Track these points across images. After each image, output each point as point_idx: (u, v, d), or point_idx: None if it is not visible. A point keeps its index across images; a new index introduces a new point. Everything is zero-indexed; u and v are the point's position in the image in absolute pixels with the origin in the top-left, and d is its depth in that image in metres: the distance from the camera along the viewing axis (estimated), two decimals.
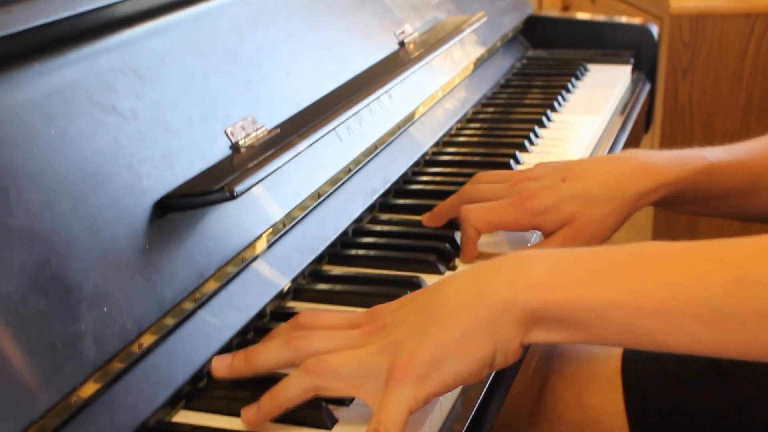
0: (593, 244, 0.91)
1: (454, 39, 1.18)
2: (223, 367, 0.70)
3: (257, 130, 0.85)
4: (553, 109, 1.35)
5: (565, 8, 2.45)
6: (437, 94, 1.24)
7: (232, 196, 0.71)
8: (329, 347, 0.68)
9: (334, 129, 0.87)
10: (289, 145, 0.80)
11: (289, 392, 0.66)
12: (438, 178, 1.11)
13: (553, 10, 2.48)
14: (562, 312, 0.66)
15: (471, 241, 0.91)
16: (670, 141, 2.01)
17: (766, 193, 1.02)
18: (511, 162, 1.14)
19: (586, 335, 0.66)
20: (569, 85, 1.45)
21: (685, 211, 1.06)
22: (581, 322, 0.66)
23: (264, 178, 0.75)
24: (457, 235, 0.94)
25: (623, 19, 1.65)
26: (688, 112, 1.99)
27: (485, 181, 0.98)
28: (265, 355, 0.69)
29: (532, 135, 1.23)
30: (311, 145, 0.82)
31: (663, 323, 0.64)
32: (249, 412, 0.67)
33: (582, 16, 1.71)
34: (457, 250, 0.93)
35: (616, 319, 0.65)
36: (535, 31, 1.66)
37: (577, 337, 0.67)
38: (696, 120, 2.00)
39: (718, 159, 0.98)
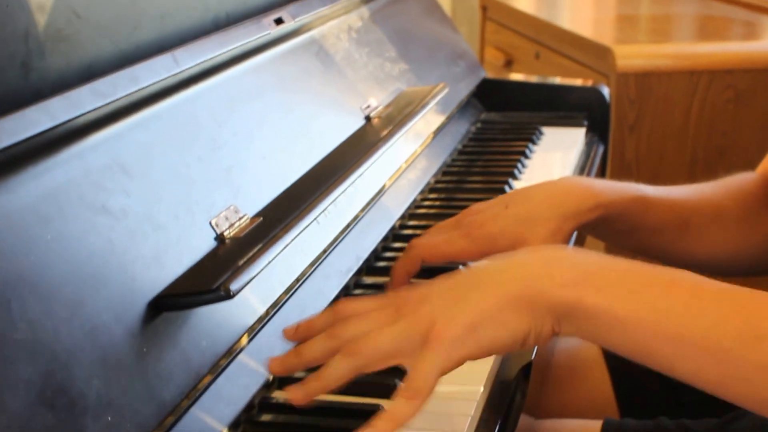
0: None
1: (419, 114, 1.20)
2: (277, 363, 0.77)
3: (240, 219, 0.86)
4: (514, 177, 1.37)
5: (508, 63, 2.49)
6: (402, 166, 1.26)
7: (230, 296, 0.71)
8: (366, 329, 0.73)
9: (315, 218, 0.88)
10: (276, 238, 0.81)
11: (333, 374, 0.71)
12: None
13: (497, 63, 2.52)
14: (590, 315, 0.70)
15: (409, 264, 0.95)
16: None
17: (695, 237, 1.10)
18: None
19: (606, 341, 0.72)
20: (527, 151, 1.47)
21: (620, 244, 1.10)
22: (605, 330, 0.71)
23: (257, 274, 0.75)
24: None
25: (575, 82, 1.69)
26: (635, 167, 2.03)
27: (434, 230, 1.01)
28: (312, 348, 0.75)
29: None
30: (297, 236, 0.83)
31: (676, 348, 0.69)
32: (296, 392, 0.72)
33: (534, 78, 1.75)
34: None
35: (636, 336, 0.70)
36: (488, 93, 1.69)
37: (599, 340, 0.72)
38: (642, 175, 2.04)
39: (653, 194, 1.05)
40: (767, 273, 1.16)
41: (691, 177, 2.05)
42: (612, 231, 1.04)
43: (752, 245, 1.14)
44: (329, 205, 0.91)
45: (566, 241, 0.98)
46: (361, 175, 1.01)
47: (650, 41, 2.10)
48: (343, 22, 1.28)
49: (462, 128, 1.56)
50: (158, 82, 0.81)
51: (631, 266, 0.73)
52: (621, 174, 2.03)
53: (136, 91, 0.78)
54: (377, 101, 1.26)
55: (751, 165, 2.08)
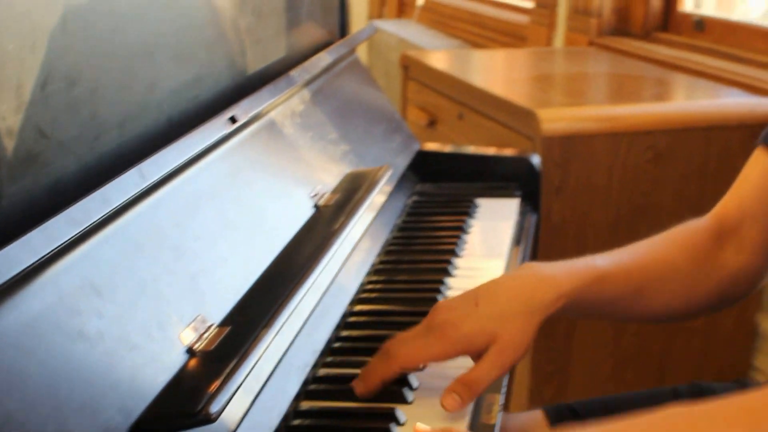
0: (518, 355, 1.01)
1: (367, 201, 1.22)
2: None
3: (208, 329, 0.86)
4: (456, 255, 1.39)
5: (432, 122, 2.52)
6: (348, 251, 1.27)
7: (211, 421, 0.71)
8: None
9: (281, 326, 0.88)
10: (247, 354, 0.81)
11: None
12: (358, 344, 1.13)
13: (421, 123, 2.55)
14: None
15: (389, 373, 0.99)
16: (545, 256, 2.08)
17: (651, 297, 1.17)
18: None
19: None
20: (465, 226, 1.50)
21: (583, 317, 1.16)
22: None
23: (234, 393, 0.76)
24: (398, 412, 0.96)
25: (506, 152, 1.72)
26: (561, 229, 2.07)
27: (408, 337, 1.02)
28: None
29: (442, 287, 1.27)
30: (266, 348, 0.83)
31: None
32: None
33: (466, 149, 1.77)
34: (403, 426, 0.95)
35: None
36: (421, 164, 1.71)
37: None
38: (569, 236, 2.08)
39: (608, 267, 1.12)
40: (721, 310, 1.23)
41: (615, 235, 2.10)
42: (574, 310, 1.08)
43: (706, 292, 1.20)
44: (293, 310, 0.92)
45: (535, 334, 1.02)
46: (319, 275, 1.02)
47: (571, 103, 2.14)
48: (287, 108, 1.29)
49: (399, 202, 1.58)
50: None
51: (628, 425, 0.77)
52: (549, 235, 2.06)
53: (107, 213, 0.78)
54: (325, 186, 1.27)
55: (671, 222, 2.14)
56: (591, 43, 2.82)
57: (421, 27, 3.81)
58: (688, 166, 2.10)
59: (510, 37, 3.30)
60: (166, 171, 0.88)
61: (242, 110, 1.07)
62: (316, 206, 1.21)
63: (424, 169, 1.72)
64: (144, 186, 0.83)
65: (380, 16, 4.34)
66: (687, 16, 2.70)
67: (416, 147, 1.70)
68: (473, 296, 1.04)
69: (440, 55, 2.89)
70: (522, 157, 1.69)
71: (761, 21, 2.56)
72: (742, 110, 2.14)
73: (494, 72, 2.64)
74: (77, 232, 0.73)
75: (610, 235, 2.10)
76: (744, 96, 2.20)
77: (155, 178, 0.85)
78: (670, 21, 2.76)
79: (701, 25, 2.63)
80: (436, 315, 1.02)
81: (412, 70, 2.67)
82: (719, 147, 2.11)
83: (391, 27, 3.79)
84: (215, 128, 1.00)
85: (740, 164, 2.14)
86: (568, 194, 2.06)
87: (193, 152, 0.93)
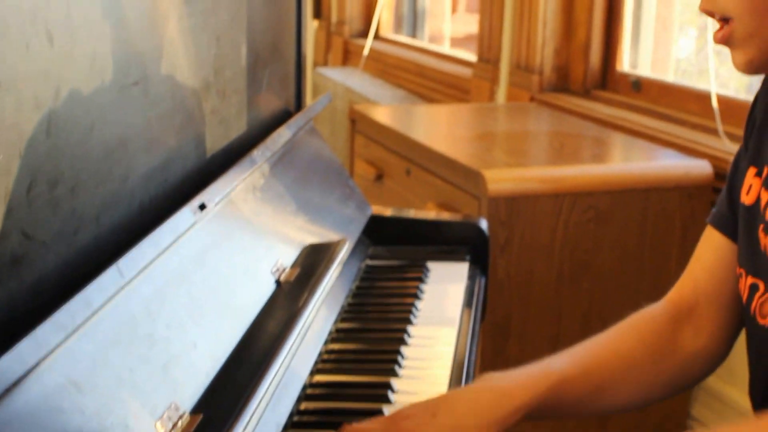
0: None
1: (327, 277, 1.26)
2: None
3: (181, 418, 0.90)
4: (410, 323, 1.44)
5: (379, 177, 2.58)
6: (307, 322, 1.31)
7: None
8: None
9: (253, 412, 0.92)
10: None
11: None
12: (317, 418, 1.17)
13: (368, 177, 2.61)
14: None
15: None
16: (491, 312, 2.14)
17: (612, 394, 1.21)
18: (388, 393, 1.21)
19: None
20: (418, 292, 1.55)
21: (546, 419, 1.19)
22: None
23: None
24: None
25: (456, 217, 1.78)
26: (506, 285, 2.14)
27: (361, 429, 1.07)
28: None
29: (399, 357, 1.31)
30: None
31: None
32: None
33: (418, 214, 1.83)
34: None
35: None
36: (374, 228, 1.76)
37: None
38: (514, 292, 2.14)
39: (565, 371, 1.14)
40: (684, 391, 1.28)
41: (558, 291, 2.16)
42: (534, 417, 1.12)
43: (667, 378, 1.25)
44: (262, 397, 0.96)
45: None
46: (284, 358, 1.06)
47: (515, 163, 2.21)
48: (248, 184, 1.33)
49: (353, 267, 1.63)
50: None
51: None
52: (495, 291, 2.12)
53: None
54: (286, 259, 1.31)
55: (611, 278, 2.21)
56: (532, 99, 2.90)
57: (366, 76, 3.87)
58: (627, 225, 2.18)
59: (454, 90, 3.38)
60: (142, 265, 0.91)
61: (210, 196, 1.11)
62: (278, 282, 1.25)
63: (377, 233, 1.76)
64: (123, 284, 0.87)
65: (325, 63, 4.40)
66: (624, 76, 2.79)
67: (369, 212, 1.74)
68: (432, 407, 1.06)
69: (387, 110, 2.95)
70: (471, 223, 1.75)
71: (694, 83, 2.66)
72: (678, 172, 2.22)
73: (440, 128, 2.71)
74: (63, 337, 0.76)
75: (554, 290, 2.16)
76: (679, 157, 2.29)
77: (133, 274, 0.89)
78: (608, 80, 2.86)
79: (638, 85, 2.73)
80: (393, 421, 1.05)
81: (359, 124, 2.73)
82: (657, 207, 2.19)
83: (336, 75, 3.86)
84: (186, 217, 1.04)
85: (677, 224, 2.23)
86: (513, 252, 2.12)
87: (166, 243, 0.97)
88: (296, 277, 1.28)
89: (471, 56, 3.44)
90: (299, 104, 1.76)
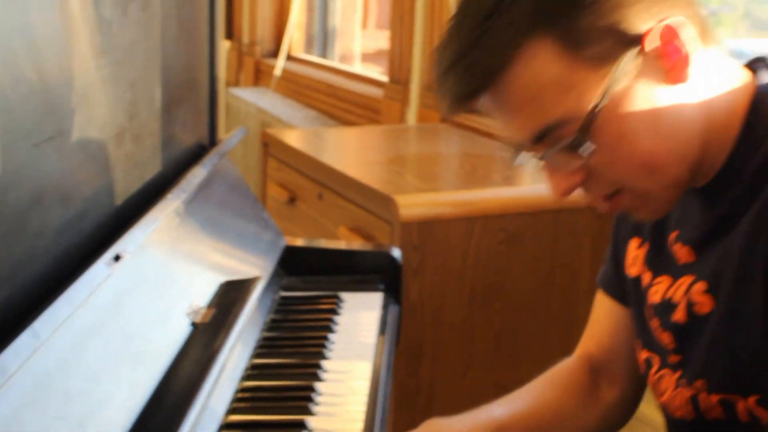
0: None
1: (242, 316, 1.28)
2: None
3: None
4: (325, 357, 1.46)
5: (292, 200, 2.59)
6: (221, 360, 1.32)
7: None
8: None
9: None
10: None
11: None
12: None
13: (281, 200, 2.62)
14: None
15: None
16: (405, 335, 2.17)
17: None
18: None
19: None
20: (332, 325, 1.57)
21: None
22: None
23: None
24: None
25: (369, 247, 1.81)
26: (419, 308, 2.17)
27: None
28: None
29: (313, 394, 1.33)
30: None
31: None
32: None
33: (331, 244, 1.85)
34: None
35: None
36: (287, 258, 1.77)
37: None
38: (427, 315, 2.18)
39: (506, 418, 1.20)
40: None
41: (471, 313, 2.20)
42: None
43: (594, 426, 1.31)
44: None
45: None
46: (201, 399, 1.08)
47: (426, 188, 2.24)
48: (163, 227, 1.34)
49: (268, 300, 1.64)
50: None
51: None
52: (408, 314, 2.15)
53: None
54: (201, 300, 1.32)
55: (523, 299, 2.26)
56: (443, 121, 2.94)
57: (278, 96, 3.89)
58: (538, 246, 2.23)
59: (365, 110, 3.41)
60: (57, 324, 0.92)
61: (124, 245, 1.12)
62: (194, 324, 1.27)
63: (290, 263, 1.78)
64: (38, 346, 0.87)
65: (237, 83, 4.41)
66: None
67: (283, 243, 1.76)
68: None
69: (300, 133, 2.97)
70: (384, 252, 1.78)
71: None
72: None
73: (352, 151, 2.74)
74: None
75: (467, 312, 2.20)
76: None
77: (48, 334, 0.90)
78: None
79: None
80: None
81: (271, 147, 2.74)
82: (567, 228, 2.24)
83: (248, 95, 3.86)
84: (100, 270, 1.05)
85: (587, 244, 2.29)
86: (426, 275, 2.16)
87: (81, 298, 0.98)
88: (212, 318, 1.29)
89: (382, 76, 3.47)
90: (213, 137, 1.78)
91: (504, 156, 2.54)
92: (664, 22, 1.05)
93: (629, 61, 1.04)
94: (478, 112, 1.12)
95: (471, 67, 1.05)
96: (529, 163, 1.13)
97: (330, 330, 1.55)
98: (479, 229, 2.17)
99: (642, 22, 1.04)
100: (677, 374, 1.18)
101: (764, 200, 1.04)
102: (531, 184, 2.42)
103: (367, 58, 4.56)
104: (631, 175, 1.07)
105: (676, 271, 1.18)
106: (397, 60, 3.21)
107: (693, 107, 1.08)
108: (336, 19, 4.30)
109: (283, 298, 1.69)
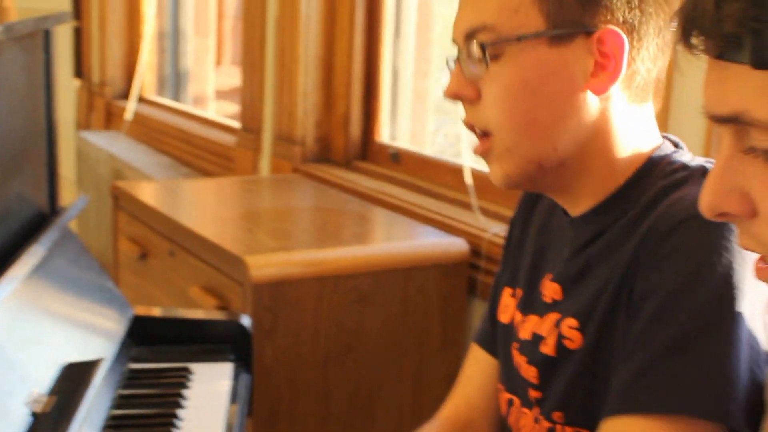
0: None
1: (85, 400, 1.25)
2: None
3: None
4: None
5: (143, 256, 2.55)
6: None
7: None
8: None
9: None
10: None
11: None
12: None
13: (132, 255, 2.58)
14: None
15: None
16: (260, 398, 2.16)
17: None
18: None
19: None
20: (181, 400, 1.55)
21: None
22: None
23: None
24: None
25: (218, 315, 1.79)
26: (274, 370, 2.16)
27: None
28: None
29: None
30: None
31: None
32: None
33: (181, 313, 1.83)
34: None
35: None
36: (136, 327, 1.75)
37: None
38: (282, 377, 2.17)
39: None
40: None
41: (325, 372, 2.21)
42: None
43: None
44: None
45: None
46: None
47: (278, 247, 2.23)
48: (2, 305, 1.30)
49: (116, 373, 1.61)
50: None
51: None
52: (262, 377, 2.14)
53: None
54: (42, 387, 1.29)
55: (375, 357, 2.28)
56: (295, 170, 2.95)
57: (130, 141, 3.83)
58: (389, 304, 2.25)
59: (219, 158, 3.39)
60: None
61: None
62: (34, 414, 1.23)
63: (139, 332, 1.75)
64: None
65: (87, 126, 4.32)
66: (384, 148, 2.89)
67: (130, 313, 1.74)
68: None
69: (151, 187, 2.93)
70: (234, 321, 1.77)
71: (450, 157, 2.78)
72: (436, 250, 2.32)
73: (204, 206, 2.72)
74: None
75: (321, 372, 2.21)
76: (437, 235, 2.38)
77: None
78: (368, 151, 2.95)
79: (397, 157, 2.83)
80: None
81: (122, 200, 2.70)
82: (417, 286, 2.28)
83: (100, 140, 3.79)
84: None
85: (436, 301, 2.32)
86: (279, 336, 2.15)
87: None
88: (53, 406, 1.26)
89: (235, 122, 3.46)
90: (54, 205, 1.74)
91: (354, 210, 2.57)
92: (620, 34, 1.11)
93: (574, 37, 1.11)
94: None
95: None
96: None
97: (179, 405, 1.53)
98: (331, 288, 2.18)
99: (611, 21, 1.11)
100: (536, 410, 1.22)
101: (638, 239, 1.10)
102: (381, 242, 2.45)
103: (222, 95, 4.54)
104: (507, 122, 1.14)
105: (543, 309, 1.23)
106: (249, 109, 3.21)
107: (592, 121, 1.14)
108: (188, 61, 4.27)
109: (132, 371, 1.66)
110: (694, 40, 0.75)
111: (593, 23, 1.12)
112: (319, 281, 2.17)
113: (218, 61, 4.85)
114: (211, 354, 1.73)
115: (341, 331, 2.21)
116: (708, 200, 0.78)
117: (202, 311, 1.83)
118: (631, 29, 1.13)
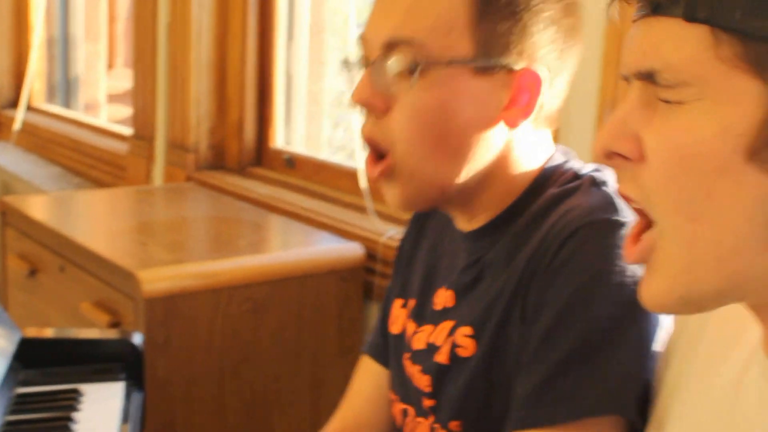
0: None
1: None
2: None
3: None
4: None
5: (33, 272, 2.49)
6: None
7: None
8: None
9: None
10: None
11: None
12: None
13: (21, 272, 2.52)
14: None
15: None
16: (154, 413, 2.13)
17: None
18: None
19: None
20: (71, 424, 1.52)
21: None
22: None
23: None
24: None
25: (109, 334, 1.77)
26: (168, 384, 2.13)
27: None
28: None
29: None
30: None
31: None
32: None
33: (69, 333, 1.80)
34: None
35: None
36: (23, 350, 1.71)
37: None
38: (177, 390, 2.14)
39: None
40: None
41: (221, 384, 2.19)
42: None
43: None
44: None
45: None
46: None
47: (172, 260, 2.20)
48: None
49: (3, 399, 1.57)
50: None
51: None
52: (157, 390, 2.12)
53: None
54: None
55: (272, 366, 2.27)
56: (189, 178, 2.91)
57: (19, 151, 3.74)
58: (285, 313, 2.24)
59: (111, 167, 3.33)
60: None
61: None
62: None
63: (27, 354, 1.72)
64: None
65: None
66: (279, 153, 2.87)
67: (18, 336, 1.70)
68: None
69: (41, 201, 2.87)
70: (125, 340, 1.74)
71: (346, 161, 2.78)
72: (333, 256, 2.32)
73: (96, 219, 2.67)
74: None
75: (217, 384, 2.19)
76: (334, 240, 2.38)
77: None
78: (263, 157, 2.93)
79: (292, 162, 2.82)
80: None
81: (10, 216, 2.64)
82: (313, 293, 2.27)
83: None
84: None
85: (333, 308, 2.32)
86: (173, 351, 2.13)
87: None
88: None
89: (127, 129, 3.40)
90: None
91: (250, 218, 2.55)
92: (539, 75, 1.14)
93: (497, 70, 1.12)
94: None
95: None
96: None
97: (69, 430, 1.51)
98: (225, 299, 2.16)
99: (534, 60, 1.13)
100: (431, 419, 1.23)
101: (532, 248, 1.11)
102: (277, 250, 2.44)
103: (116, 98, 4.46)
104: (416, 142, 1.13)
105: (437, 318, 1.23)
106: (141, 116, 3.16)
107: (498, 149, 1.16)
108: (79, 68, 4.19)
109: (20, 395, 1.63)
110: None
111: (518, 60, 1.13)
112: (214, 293, 2.15)
113: (111, 64, 4.77)
114: (102, 374, 1.70)
115: (237, 342, 2.19)
116: (603, 139, 0.82)
117: (95, 330, 1.80)
118: (548, 69, 1.15)
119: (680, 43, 0.76)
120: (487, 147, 1.15)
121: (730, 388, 0.89)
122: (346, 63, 1.21)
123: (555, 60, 1.16)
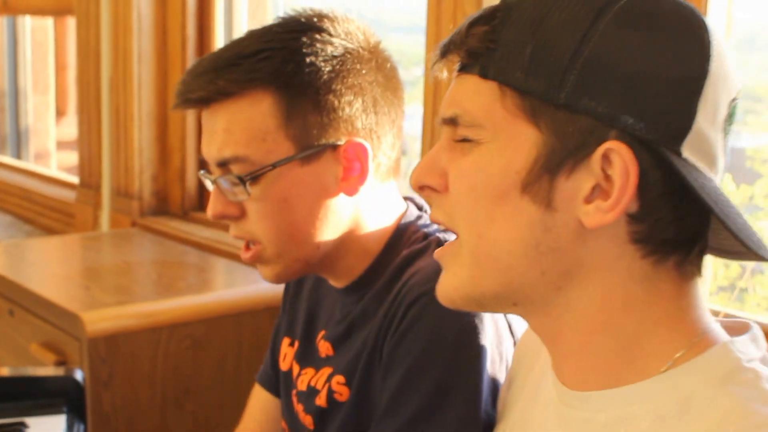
0: None
1: None
2: None
3: None
4: None
5: None
6: None
7: None
8: None
9: None
10: None
11: None
12: None
13: None
14: None
15: None
16: None
17: None
18: None
19: None
20: None
21: None
22: None
23: None
24: None
25: (51, 372, 1.89)
26: (113, 418, 2.25)
27: None
28: None
29: None
30: None
31: None
32: None
33: (11, 371, 1.92)
34: None
35: None
36: None
37: None
38: (121, 425, 2.26)
39: None
40: None
41: (164, 418, 2.31)
42: None
43: None
44: None
45: None
46: None
47: (115, 302, 2.33)
48: None
49: None
50: None
51: None
52: (101, 425, 2.24)
53: None
54: None
55: (212, 399, 2.39)
56: (134, 224, 3.04)
57: None
58: (223, 349, 2.37)
59: (59, 214, 3.45)
60: None
61: None
62: None
63: None
64: None
65: None
66: None
67: None
68: None
69: None
70: (67, 377, 1.87)
71: None
72: (268, 294, 2.45)
73: (44, 266, 2.79)
74: None
75: (159, 418, 2.31)
76: None
77: None
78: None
79: None
80: None
81: None
82: (250, 329, 2.40)
83: None
84: None
85: (268, 342, 2.44)
86: (116, 386, 2.25)
87: None
88: None
89: (75, 178, 3.52)
90: None
91: (192, 261, 2.69)
92: (362, 143, 1.25)
93: (322, 152, 1.23)
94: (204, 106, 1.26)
95: (214, 80, 1.23)
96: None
97: None
98: (166, 337, 2.29)
99: (353, 132, 1.24)
100: None
101: (386, 308, 1.24)
102: (216, 290, 2.57)
103: (67, 145, 4.56)
104: (273, 234, 1.26)
105: (319, 363, 1.36)
106: (87, 166, 3.29)
107: (348, 216, 1.28)
108: (29, 118, 4.31)
109: None
110: (450, 56, 0.95)
111: (336, 137, 1.25)
112: (155, 331, 2.28)
113: (61, 112, 4.88)
114: (46, 408, 1.82)
115: (178, 376, 2.32)
116: (416, 174, 0.98)
117: (42, 369, 1.92)
118: (370, 132, 1.27)
119: (477, 95, 0.91)
120: (337, 219, 1.27)
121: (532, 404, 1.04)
122: (203, 179, 1.34)
123: (375, 123, 1.27)
